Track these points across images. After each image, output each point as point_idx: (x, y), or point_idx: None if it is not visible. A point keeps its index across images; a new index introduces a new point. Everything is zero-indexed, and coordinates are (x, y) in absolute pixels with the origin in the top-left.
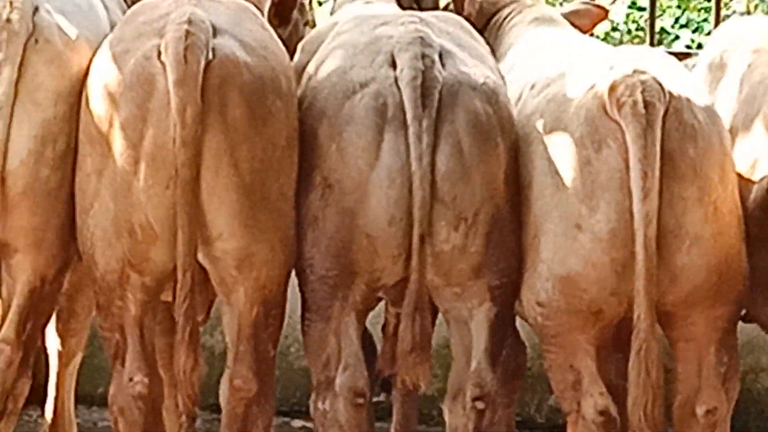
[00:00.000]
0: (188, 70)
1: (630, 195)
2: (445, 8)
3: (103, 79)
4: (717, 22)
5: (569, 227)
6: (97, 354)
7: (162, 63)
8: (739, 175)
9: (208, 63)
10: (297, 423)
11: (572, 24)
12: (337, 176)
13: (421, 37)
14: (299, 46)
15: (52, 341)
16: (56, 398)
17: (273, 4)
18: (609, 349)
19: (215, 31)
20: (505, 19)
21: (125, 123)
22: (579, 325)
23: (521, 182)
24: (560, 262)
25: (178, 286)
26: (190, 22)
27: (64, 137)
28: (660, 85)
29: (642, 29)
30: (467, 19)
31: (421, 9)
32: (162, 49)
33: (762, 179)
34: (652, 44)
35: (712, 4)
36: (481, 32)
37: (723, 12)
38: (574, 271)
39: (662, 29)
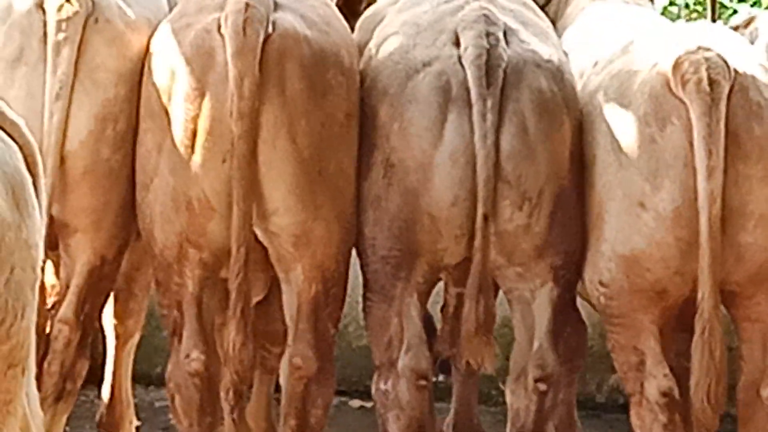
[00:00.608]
0: (247, 42)
1: (694, 173)
2: None
3: (165, 53)
4: None
5: (633, 205)
6: (155, 334)
7: (221, 36)
8: None
9: (267, 36)
10: (355, 403)
11: None
12: (400, 156)
13: (486, 15)
14: (357, 24)
15: (109, 322)
16: (114, 379)
17: None
18: (673, 329)
19: (276, 6)
20: None
21: (185, 96)
22: (643, 305)
23: (584, 160)
24: (624, 241)
25: (232, 260)
26: None
27: (125, 117)
28: (725, 62)
29: (700, 3)
30: None
31: None
32: (222, 22)
33: None
34: (713, 19)
35: None
36: (544, 6)
37: None
38: (637, 250)
39: (720, 3)
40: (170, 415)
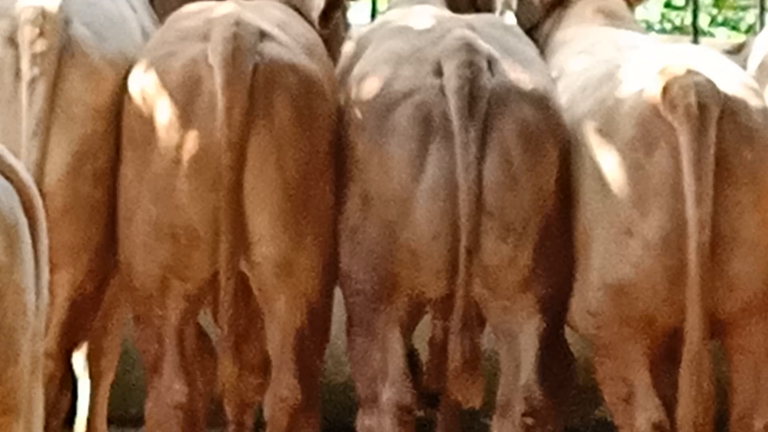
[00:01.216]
0: (236, 71)
1: (683, 200)
2: None
3: (147, 82)
4: (762, 21)
5: (620, 233)
6: (129, 372)
7: (209, 65)
8: None
9: (255, 65)
10: None
11: None
12: (379, 189)
13: (468, 44)
14: (343, 51)
15: (82, 362)
16: (90, 420)
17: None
18: (663, 360)
19: (262, 35)
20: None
21: (169, 125)
22: (632, 334)
23: (571, 188)
24: (611, 270)
25: (222, 293)
26: (237, 24)
27: (104, 153)
28: (714, 86)
29: (678, 29)
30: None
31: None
32: (210, 52)
33: None
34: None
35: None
36: (531, 30)
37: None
38: (625, 278)
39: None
40: None
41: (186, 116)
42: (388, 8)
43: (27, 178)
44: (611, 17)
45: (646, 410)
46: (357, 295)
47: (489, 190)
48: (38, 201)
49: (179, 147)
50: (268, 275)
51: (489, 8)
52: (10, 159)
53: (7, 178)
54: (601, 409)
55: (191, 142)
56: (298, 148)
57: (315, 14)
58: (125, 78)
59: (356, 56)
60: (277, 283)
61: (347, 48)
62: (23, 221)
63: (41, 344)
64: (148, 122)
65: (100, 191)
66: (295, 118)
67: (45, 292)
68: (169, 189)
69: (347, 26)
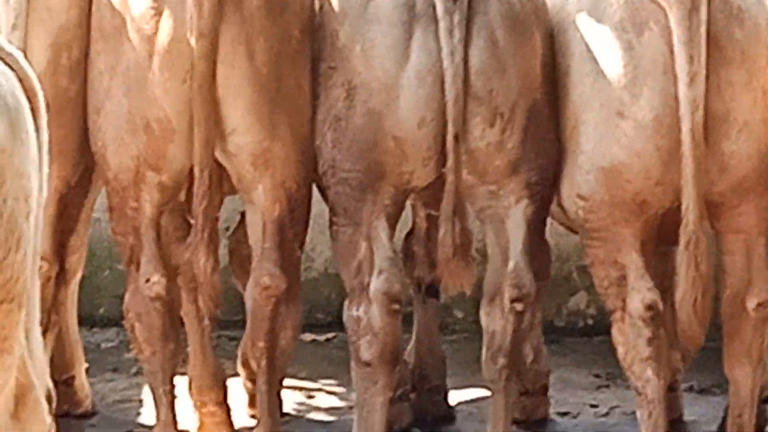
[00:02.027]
0: None
1: (674, 80)
2: None
3: None
4: None
5: (611, 116)
6: (96, 274)
7: None
8: None
9: None
10: (307, 336)
11: None
12: (363, 78)
13: None
14: None
15: None
16: (60, 320)
17: None
18: (655, 242)
19: None
20: None
21: (141, 15)
22: (623, 217)
23: (558, 70)
24: (602, 153)
25: (196, 183)
26: None
27: (78, 44)
28: None
29: None
30: None
31: None
32: None
33: None
34: None
35: None
36: None
37: None
38: (617, 161)
39: None
40: (118, 356)
41: (157, 6)
42: None
43: (27, 66)
44: None
45: (639, 292)
46: (341, 185)
47: (475, 74)
48: (39, 90)
49: (150, 38)
50: (245, 165)
51: None
52: (10, 48)
53: (8, 66)
54: (575, 300)
55: (162, 33)
56: (268, 36)
57: None
58: None
59: None
60: (255, 173)
61: None
62: (25, 106)
63: (40, 237)
64: (119, 14)
65: (77, 84)
66: (264, 7)
67: (45, 184)
68: (142, 81)
69: None
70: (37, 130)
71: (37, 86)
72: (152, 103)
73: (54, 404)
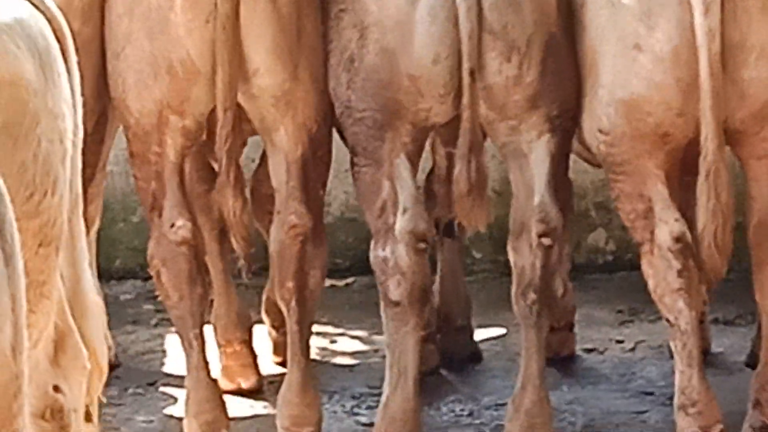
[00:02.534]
0: None
1: (690, 10)
2: None
3: None
4: None
5: (628, 48)
6: (110, 227)
7: None
8: None
9: None
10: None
11: None
12: (375, 17)
13: None
14: None
15: None
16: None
17: None
18: (679, 173)
19: None
20: None
21: None
22: (646, 149)
23: (574, 5)
24: (621, 86)
25: (219, 125)
26: None
27: None
28: None
29: None
30: None
31: None
32: None
33: None
34: None
35: None
36: None
37: None
38: (636, 93)
39: None
40: (137, 308)
41: None
42: None
43: (54, 7)
44: None
45: (667, 224)
46: (358, 126)
47: (489, 8)
48: (68, 32)
49: None
50: (266, 107)
51: None
52: None
53: (35, 6)
54: (594, 236)
55: None
56: None
57: None
58: None
59: None
60: (277, 115)
61: None
62: (56, 47)
63: (80, 178)
64: None
65: (90, 27)
66: None
67: (80, 125)
68: (163, 23)
69: None
70: (69, 71)
71: (65, 27)
72: (175, 44)
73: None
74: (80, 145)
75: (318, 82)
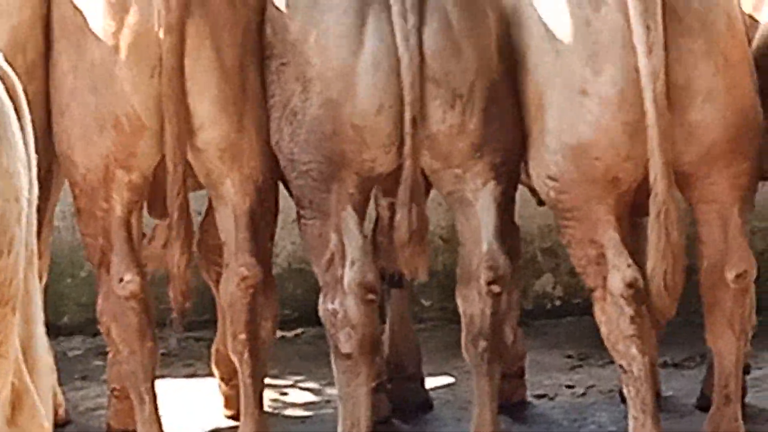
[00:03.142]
0: None
1: (635, 52)
2: None
3: None
4: None
5: (574, 93)
6: (59, 281)
7: None
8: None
9: None
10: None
11: None
12: (318, 69)
13: None
14: None
15: None
16: None
17: None
18: (630, 217)
19: None
20: None
21: (105, 11)
22: (596, 195)
23: (518, 52)
24: (569, 131)
25: (170, 179)
26: None
27: (33, 44)
28: None
29: None
30: None
31: None
32: None
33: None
34: None
35: None
36: None
37: None
38: (584, 138)
39: None
40: (86, 364)
41: (122, 1)
42: None
43: (7, 66)
44: None
45: (619, 270)
46: (303, 178)
47: (431, 57)
48: (21, 90)
49: (116, 33)
50: (212, 160)
51: None
52: None
53: None
54: (541, 282)
55: (129, 27)
56: (232, 29)
57: None
58: None
59: None
60: (223, 168)
61: None
62: (9, 105)
63: (34, 235)
64: (81, 12)
65: (33, 86)
66: (228, 1)
67: (35, 183)
68: (108, 78)
69: None
70: (22, 129)
71: (18, 85)
72: (120, 98)
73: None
74: (35, 202)
75: (263, 132)
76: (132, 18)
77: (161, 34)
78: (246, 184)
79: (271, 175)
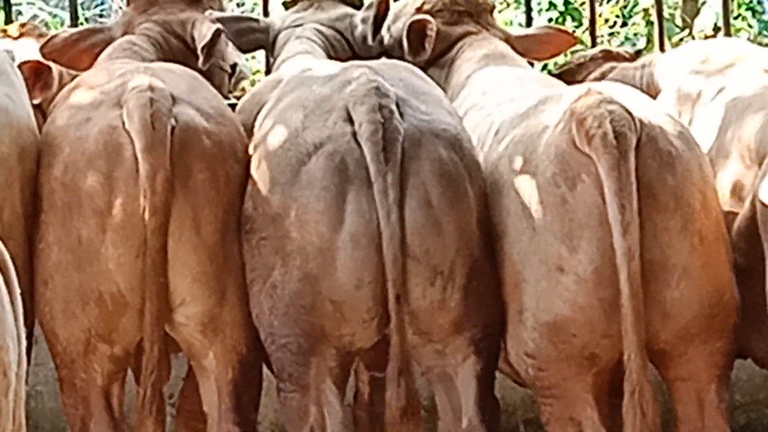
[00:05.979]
0: (156, 136)
1: (610, 231)
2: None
3: (65, 148)
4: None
5: (551, 271)
6: None
7: (127, 132)
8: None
9: (171, 129)
10: None
11: (528, 50)
12: (297, 244)
13: (376, 87)
14: (238, 107)
15: None
16: None
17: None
18: (608, 395)
19: (174, 99)
20: (456, 54)
21: (91, 192)
22: (573, 372)
23: (495, 230)
24: (545, 309)
25: (145, 357)
26: (152, 89)
27: (9, 206)
28: (629, 113)
29: None
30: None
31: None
32: (125, 118)
33: (745, 208)
34: None
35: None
36: (430, 65)
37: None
38: (560, 316)
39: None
40: None
41: (108, 183)
42: (275, 66)
43: None
44: (504, 59)
45: None
46: (282, 351)
47: (412, 234)
48: (10, 263)
49: (102, 213)
50: (194, 334)
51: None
52: None
53: None
54: None
55: (115, 208)
56: (214, 208)
57: (200, 44)
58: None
59: (254, 110)
60: (205, 341)
61: (243, 102)
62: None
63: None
64: (70, 190)
65: (11, 246)
66: (210, 180)
67: (24, 356)
68: (93, 255)
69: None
70: (12, 302)
71: (8, 257)
72: (105, 277)
73: None
74: (24, 376)
75: (247, 304)
76: (118, 199)
77: (147, 216)
78: (229, 356)
79: (255, 346)
